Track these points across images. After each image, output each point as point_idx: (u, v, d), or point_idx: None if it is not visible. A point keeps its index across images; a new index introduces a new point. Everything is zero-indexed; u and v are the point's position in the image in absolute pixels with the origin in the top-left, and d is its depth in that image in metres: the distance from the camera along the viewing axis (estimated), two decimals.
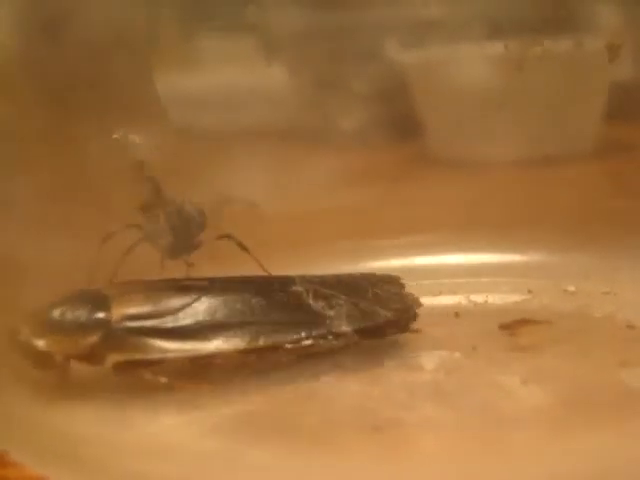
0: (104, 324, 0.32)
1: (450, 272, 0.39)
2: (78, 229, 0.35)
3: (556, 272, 0.38)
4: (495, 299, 0.37)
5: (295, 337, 0.33)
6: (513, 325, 0.35)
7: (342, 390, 0.31)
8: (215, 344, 0.33)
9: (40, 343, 0.31)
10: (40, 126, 0.35)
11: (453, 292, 0.38)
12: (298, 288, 0.34)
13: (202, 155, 0.38)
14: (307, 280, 0.35)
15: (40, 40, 0.34)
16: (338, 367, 0.32)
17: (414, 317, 0.35)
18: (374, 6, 0.36)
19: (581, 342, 0.33)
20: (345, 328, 0.33)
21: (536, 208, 0.39)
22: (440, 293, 0.38)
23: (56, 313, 0.32)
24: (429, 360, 0.32)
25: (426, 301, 0.36)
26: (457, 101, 0.41)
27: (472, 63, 0.39)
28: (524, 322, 0.35)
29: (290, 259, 0.35)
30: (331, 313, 0.33)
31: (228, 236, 0.37)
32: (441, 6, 0.37)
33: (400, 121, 0.39)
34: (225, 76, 0.39)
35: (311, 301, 0.34)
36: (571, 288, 0.37)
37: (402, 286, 0.36)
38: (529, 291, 0.37)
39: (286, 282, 0.35)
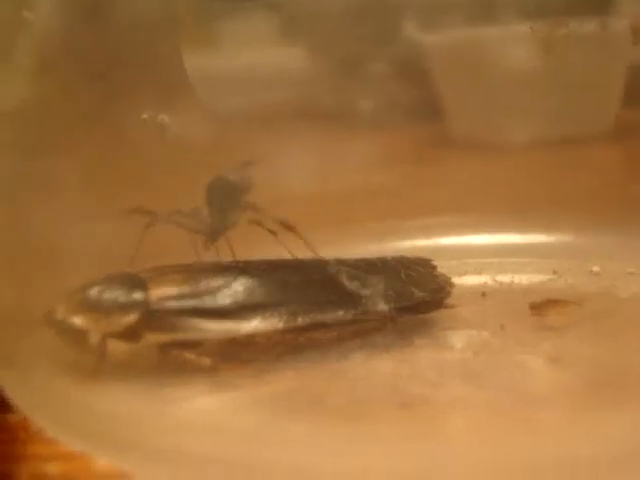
0: (142, 304, 0.32)
1: (476, 252, 0.39)
2: (115, 217, 0.35)
3: (581, 253, 0.38)
4: (521, 279, 0.37)
5: (333, 316, 0.33)
6: (540, 305, 0.34)
7: (371, 368, 0.31)
8: (253, 324, 0.33)
9: (77, 321, 0.31)
10: (82, 106, 0.35)
11: (479, 272, 0.38)
12: (332, 269, 0.34)
13: (231, 134, 0.38)
14: (341, 262, 0.35)
15: (80, 21, 0.34)
16: (368, 345, 0.32)
17: (447, 296, 0.35)
18: None
19: (608, 323, 0.33)
20: (382, 307, 0.33)
21: (558, 189, 0.39)
22: (466, 273, 0.38)
23: (94, 292, 0.32)
24: (458, 339, 0.32)
25: (453, 281, 0.36)
26: (479, 83, 0.41)
27: (495, 45, 0.39)
28: (550, 302, 0.34)
29: (321, 239, 0.34)
30: (367, 292, 0.33)
31: (258, 222, 0.36)
32: None
33: (421, 103, 0.39)
34: (250, 56, 0.39)
35: (346, 282, 0.33)
36: (596, 268, 0.37)
37: (434, 267, 0.36)
38: (554, 271, 0.37)
39: (320, 264, 0.35)
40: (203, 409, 0.30)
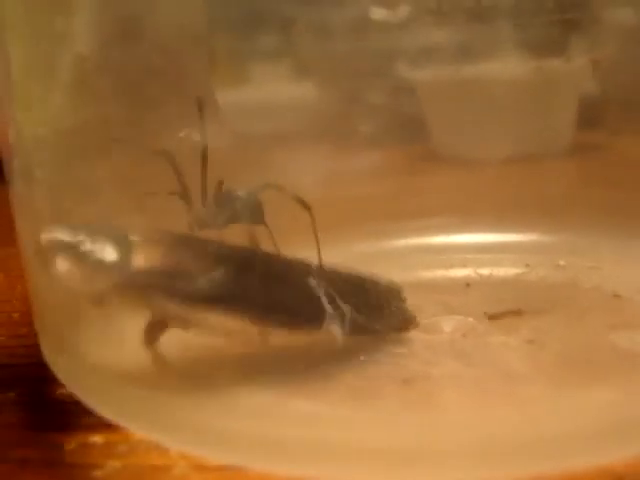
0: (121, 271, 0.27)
1: (460, 249, 0.37)
2: (149, 210, 0.31)
3: (549, 249, 0.36)
4: (499, 272, 0.34)
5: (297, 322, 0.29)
6: (516, 294, 0.32)
7: (376, 349, 0.28)
8: (220, 317, 0.28)
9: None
10: (118, 117, 0.32)
11: (463, 266, 0.35)
12: (312, 281, 0.29)
13: (252, 153, 0.35)
14: (322, 273, 0.30)
15: (116, 41, 0.31)
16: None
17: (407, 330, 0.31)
18: (388, 35, 0.33)
19: (574, 308, 0.30)
20: (336, 329, 0.28)
21: (527, 196, 0.37)
22: (452, 267, 0.36)
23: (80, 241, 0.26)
24: (447, 324, 0.30)
25: (441, 273, 0.35)
26: (459, 110, 0.39)
27: (471, 80, 0.37)
28: (525, 291, 0.33)
29: (327, 237, 0.30)
30: (331, 311, 0.29)
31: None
32: (443, 33, 0.35)
33: (412, 126, 0.37)
34: (270, 91, 0.38)
35: (321, 296, 0.29)
36: (562, 262, 0.34)
37: (403, 300, 0.31)
38: (527, 265, 0.34)
39: (304, 271, 0.30)
40: (226, 387, 0.27)
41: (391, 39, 0.34)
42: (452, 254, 0.36)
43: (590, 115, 0.38)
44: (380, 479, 0.22)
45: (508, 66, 0.37)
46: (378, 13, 0.33)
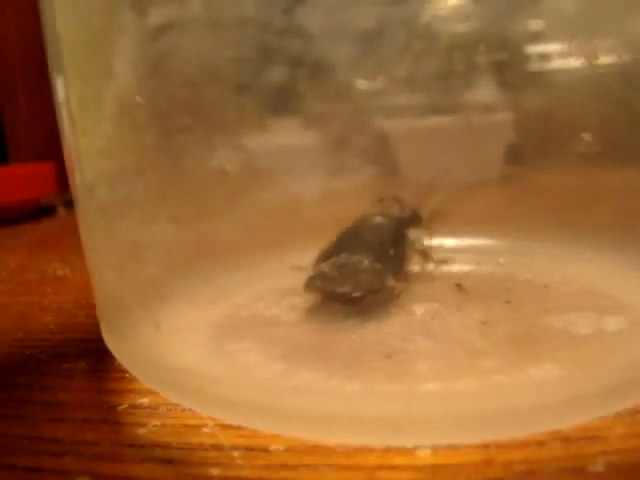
0: None
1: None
2: (180, 221, 0.28)
3: (492, 251, 0.32)
4: (456, 268, 0.30)
5: None
6: (471, 285, 0.27)
7: (363, 327, 0.24)
8: None
9: None
10: (152, 141, 0.28)
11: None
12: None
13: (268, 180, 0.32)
14: None
15: (149, 74, 0.27)
16: (359, 312, 0.25)
17: None
18: (369, 97, 0.31)
19: (514, 296, 0.26)
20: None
21: (475, 212, 0.32)
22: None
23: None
24: (418, 308, 0.25)
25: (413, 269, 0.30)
26: (420, 151, 0.35)
27: (429, 129, 0.33)
28: (476, 282, 0.28)
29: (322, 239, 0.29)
30: None
31: None
32: (408, 96, 0.31)
33: (386, 162, 0.35)
34: (282, 138, 0.33)
35: None
36: (502, 261, 0.30)
37: None
38: (477, 263, 0.30)
39: None
40: (242, 356, 0.23)
41: (371, 100, 0.31)
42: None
43: (514, 153, 0.34)
44: (370, 442, 0.18)
45: (454, 118, 0.33)
46: (362, 83, 0.31)
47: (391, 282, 0.26)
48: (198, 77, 0.27)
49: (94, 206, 0.25)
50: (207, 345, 0.24)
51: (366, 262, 0.26)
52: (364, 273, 0.26)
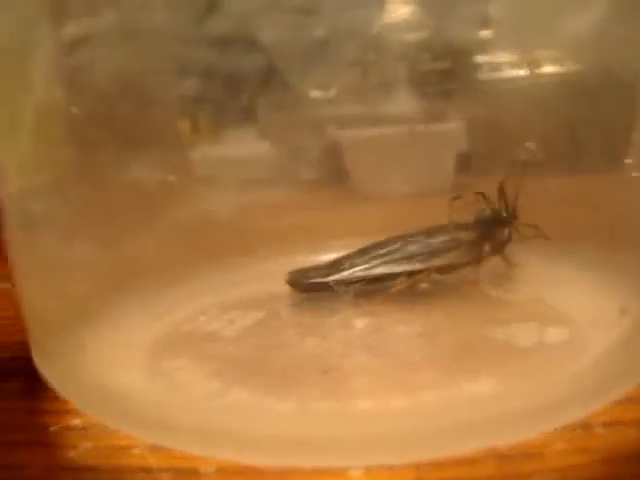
0: None
1: None
2: (99, 239, 0.27)
3: None
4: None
5: None
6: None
7: (301, 342, 0.24)
8: None
9: None
10: (70, 157, 0.27)
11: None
12: None
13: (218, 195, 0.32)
14: None
15: (69, 87, 0.26)
16: (299, 324, 0.25)
17: None
18: (322, 107, 0.31)
19: (454, 307, 0.26)
20: None
21: (421, 221, 0.30)
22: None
23: None
24: (359, 322, 0.25)
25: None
26: (370, 161, 0.35)
27: (380, 138, 0.33)
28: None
29: (278, 250, 0.30)
30: None
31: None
32: (360, 105, 0.32)
33: (339, 171, 0.34)
34: (236, 148, 0.33)
35: None
36: None
37: None
38: None
39: None
40: (177, 373, 0.22)
41: (325, 110, 0.31)
42: None
43: (464, 163, 0.34)
44: (302, 463, 0.17)
45: (406, 127, 0.32)
46: (315, 93, 0.31)
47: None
48: (133, 90, 0.27)
49: (18, 222, 0.24)
50: (143, 363, 0.23)
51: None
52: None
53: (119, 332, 0.25)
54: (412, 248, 0.28)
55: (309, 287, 0.28)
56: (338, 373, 0.21)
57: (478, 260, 0.27)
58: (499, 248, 0.27)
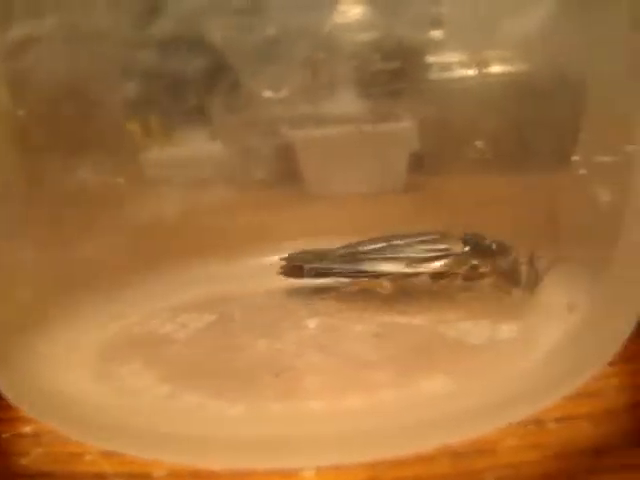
0: None
1: None
2: (48, 242, 0.26)
3: None
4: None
5: None
6: (364, 297, 0.27)
7: (254, 344, 0.23)
8: None
9: None
10: (16, 160, 0.26)
11: (324, 275, 0.29)
12: None
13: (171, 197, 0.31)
14: None
15: (10, 93, 0.26)
16: (252, 326, 0.25)
17: None
18: (274, 107, 0.31)
19: (410, 306, 0.26)
20: None
21: (373, 222, 0.31)
22: (316, 276, 0.29)
23: None
24: (312, 322, 0.25)
25: (309, 281, 0.28)
26: (323, 160, 0.34)
27: (332, 138, 0.33)
28: (372, 293, 0.27)
29: (222, 252, 0.29)
30: None
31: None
32: (312, 105, 0.31)
33: (291, 171, 0.33)
34: (188, 149, 0.33)
35: None
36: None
37: None
38: None
39: None
40: (132, 379, 0.22)
41: (276, 110, 0.31)
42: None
43: (416, 162, 0.34)
44: (254, 465, 0.17)
45: (358, 127, 0.32)
46: (267, 93, 0.30)
47: None
48: (79, 93, 0.26)
49: None
50: (94, 368, 0.23)
51: None
52: None
53: (70, 337, 0.24)
54: (400, 250, 0.28)
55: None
56: (291, 374, 0.21)
57: (467, 277, 0.26)
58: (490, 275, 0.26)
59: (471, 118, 0.30)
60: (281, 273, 0.28)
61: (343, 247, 0.28)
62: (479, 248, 0.26)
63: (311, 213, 0.34)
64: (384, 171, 0.35)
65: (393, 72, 0.31)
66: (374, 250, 0.28)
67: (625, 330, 0.20)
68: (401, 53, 0.30)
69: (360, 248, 0.28)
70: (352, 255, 0.28)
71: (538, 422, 0.18)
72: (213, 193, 0.32)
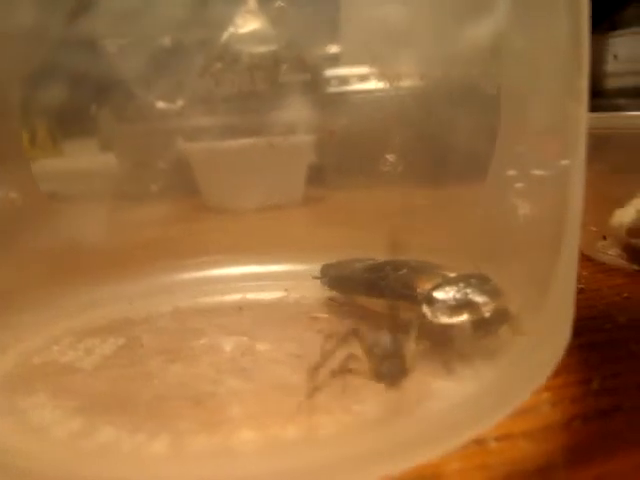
0: None
1: (233, 279, 0.30)
2: None
3: (301, 277, 0.29)
4: (264, 296, 0.28)
5: None
6: (280, 314, 0.26)
7: (167, 369, 0.21)
8: None
9: None
10: None
11: (236, 292, 0.28)
12: None
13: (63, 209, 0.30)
14: None
15: None
16: (163, 350, 0.23)
17: None
18: (169, 119, 0.29)
19: (327, 325, 0.24)
20: None
21: (277, 235, 0.31)
22: (227, 293, 0.29)
23: None
24: (226, 343, 0.23)
25: (217, 299, 0.28)
26: (220, 174, 0.34)
27: (228, 151, 0.32)
28: (286, 311, 0.26)
29: (127, 271, 0.28)
30: None
31: None
32: (208, 118, 0.30)
33: (189, 185, 0.32)
34: (81, 162, 0.31)
35: None
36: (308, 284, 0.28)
37: None
38: (285, 290, 0.28)
39: None
40: (38, 412, 0.19)
41: (171, 122, 0.30)
42: (226, 284, 0.29)
43: (315, 176, 0.34)
44: None
45: (255, 139, 0.32)
46: (162, 104, 0.29)
47: None
48: None
49: None
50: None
51: None
52: None
53: None
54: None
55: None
56: (212, 402, 0.19)
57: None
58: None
59: (377, 130, 0.30)
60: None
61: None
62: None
63: (210, 228, 0.33)
64: (282, 184, 0.34)
65: (292, 84, 0.30)
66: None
67: (562, 344, 0.20)
68: (301, 66, 0.30)
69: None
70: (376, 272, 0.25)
71: (479, 442, 0.18)
72: (107, 208, 0.30)
